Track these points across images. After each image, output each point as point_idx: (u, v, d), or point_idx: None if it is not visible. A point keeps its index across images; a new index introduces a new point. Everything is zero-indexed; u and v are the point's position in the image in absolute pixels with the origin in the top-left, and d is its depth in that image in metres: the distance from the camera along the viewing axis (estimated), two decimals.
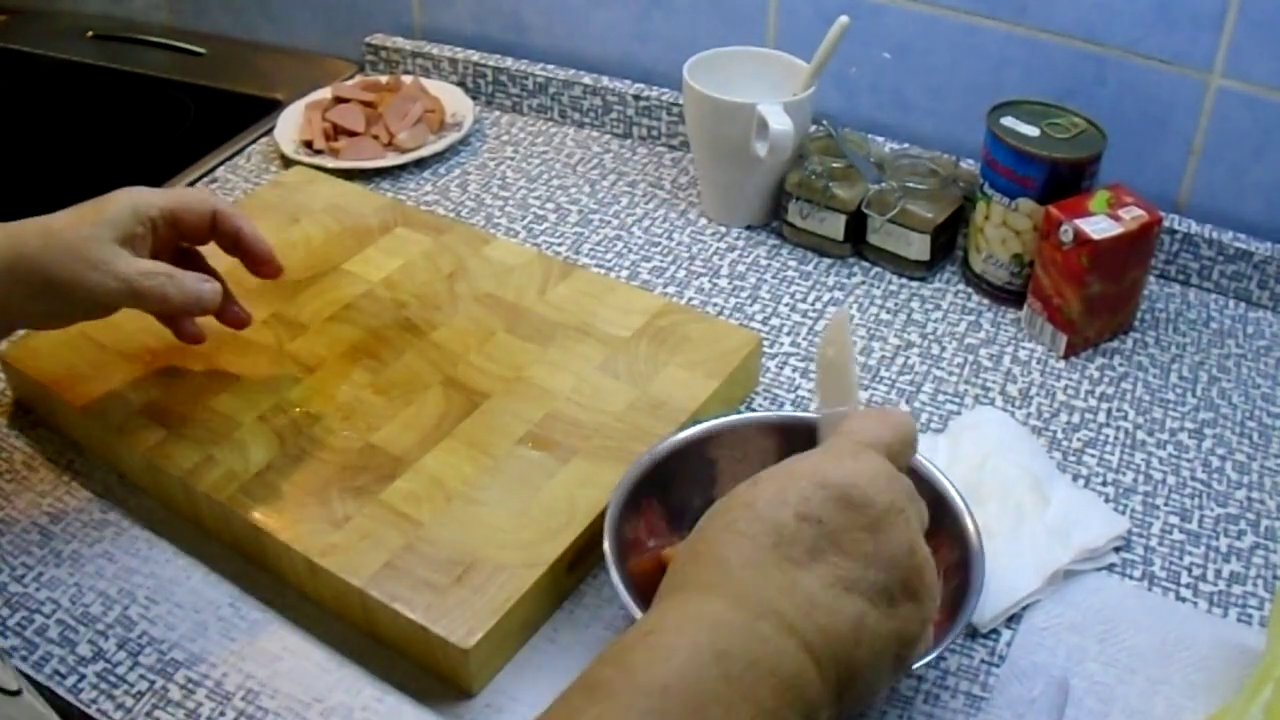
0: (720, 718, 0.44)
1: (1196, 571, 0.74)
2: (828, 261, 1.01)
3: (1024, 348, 0.92)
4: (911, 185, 0.97)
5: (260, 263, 0.79)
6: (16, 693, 0.56)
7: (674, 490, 0.72)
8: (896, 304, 0.97)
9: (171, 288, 0.72)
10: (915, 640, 0.53)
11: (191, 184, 1.12)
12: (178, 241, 0.77)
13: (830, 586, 0.50)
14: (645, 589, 0.67)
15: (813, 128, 1.03)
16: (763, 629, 0.48)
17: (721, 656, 0.46)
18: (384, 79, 1.21)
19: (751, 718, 0.45)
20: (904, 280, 0.99)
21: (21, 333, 0.86)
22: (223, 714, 0.66)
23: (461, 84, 1.24)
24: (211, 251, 0.80)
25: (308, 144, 1.13)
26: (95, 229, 0.71)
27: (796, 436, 0.74)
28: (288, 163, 1.12)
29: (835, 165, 1.00)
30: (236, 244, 0.78)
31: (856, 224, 0.99)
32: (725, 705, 0.45)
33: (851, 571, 0.51)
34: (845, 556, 0.51)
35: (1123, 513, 0.78)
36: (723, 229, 1.05)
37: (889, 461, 0.55)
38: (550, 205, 1.08)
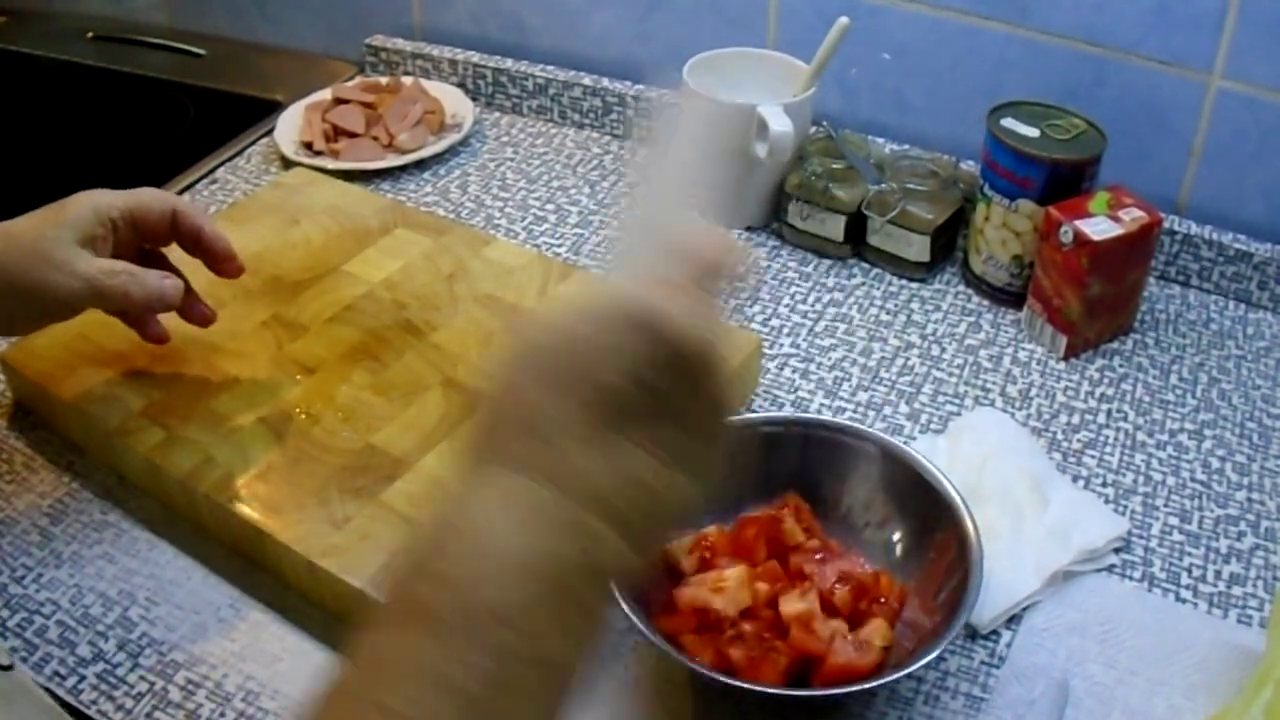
0: (553, 640, 0.42)
1: (1196, 573, 0.74)
2: (828, 263, 1.01)
3: (1024, 349, 0.92)
4: (911, 186, 0.97)
5: (221, 260, 0.79)
6: (8, 668, 0.57)
7: None
8: (896, 305, 0.97)
9: (133, 285, 0.72)
10: (695, 504, 0.49)
11: (191, 185, 1.12)
12: (139, 243, 0.77)
13: (654, 458, 0.45)
14: (642, 583, 0.67)
15: (813, 129, 1.03)
16: (585, 519, 0.44)
17: (554, 561, 0.42)
18: (384, 80, 1.21)
19: (568, 631, 0.43)
20: (904, 281, 0.99)
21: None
22: (223, 715, 0.66)
23: (461, 85, 1.24)
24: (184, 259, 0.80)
25: (308, 145, 1.13)
26: (56, 230, 0.71)
27: (798, 438, 0.74)
28: (288, 164, 1.12)
29: (835, 166, 1.00)
30: (198, 243, 0.78)
31: (856, 225, 0.99)
32: (556, 626, 0.42)
33: (671, 439, 0.46)
34: (669, 424, 0.46)
35: (1122, 514, 0.78)
36: (722, 230, 1.05)
37: (711, 298, 0.50)
38: (550, 206, 1.08)
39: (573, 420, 0.44)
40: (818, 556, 0.69)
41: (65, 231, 0.71)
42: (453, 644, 0.40)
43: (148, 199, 0.76)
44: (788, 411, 0.86)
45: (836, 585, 0.67)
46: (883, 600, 0.68)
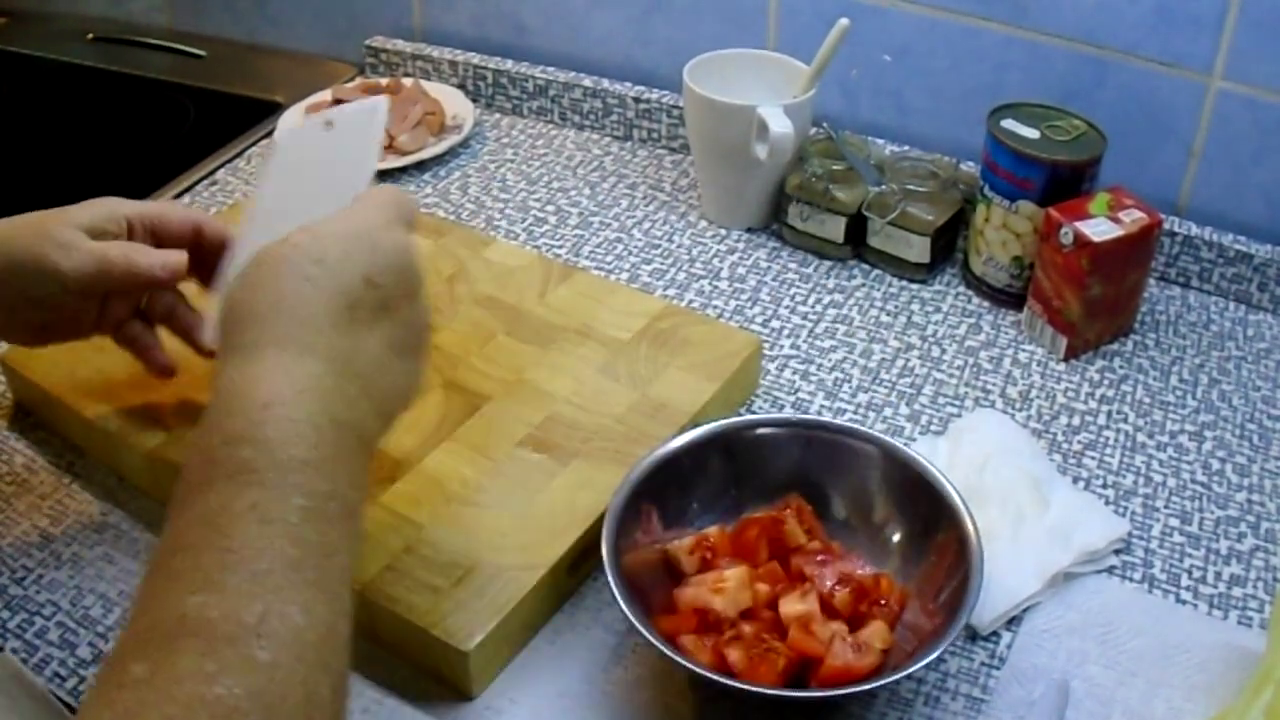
0: (343, 481, 0.51)
1: (1197, 574, 0.74)
2: (828, 264, 1.01)
3: (1024, 350, 0.92)
4: (912, 188, 0.98)
5: None
6: None
7: (672, 494, 0.72)
8: (896, 306, 0.97)
9: (138, 254, 0.71)
10: (417, 391, 0.60)
11: (191, 186, 1.12)
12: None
13: (389, 348, 0.57)
14: (643, 582, 0.67)
15: (813, 130, 1.03)
16: (351, 391, 0.54)
17: (334, 425, 0.52)
18: (384, 81, 1.21)
19: (351, 476, 0.52)
20: (904, 283, 0.99)
21: None
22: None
23: (462, 86, 1.24)
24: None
25: None
26: (64, 215, 0.71)
27: (799, 439, 0.75)
28: None
29: (835, 168, 1.00)
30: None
31: (857, 226, 0.99)
32: (345, 470, 0.52)
33: (398, 334, 0.57)
34: (395, 321, 0.57)
35: (1123, 515, 0.78)
36: (723, 231, 1.05)
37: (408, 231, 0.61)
38: (550, 208, 1.08)
39: (325, 309, 0.54)
40: (818, 558, 0.69)
41: (73, 217, 0.71)
42: (272, 490, 0.48)
43: (170, 208, 0.76)
44: (788, 413, 0.86)
45: (837, 587, 0.67)
46: (883, 602, 0.67)
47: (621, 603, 0.63)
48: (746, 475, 0.74)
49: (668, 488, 0.72)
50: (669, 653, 0.62)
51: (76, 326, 0.74)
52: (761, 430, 0.75)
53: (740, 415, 0.83)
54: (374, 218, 0.59)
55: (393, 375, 0.57)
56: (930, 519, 0.70)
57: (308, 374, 0.52)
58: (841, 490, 0.74)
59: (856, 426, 0.76)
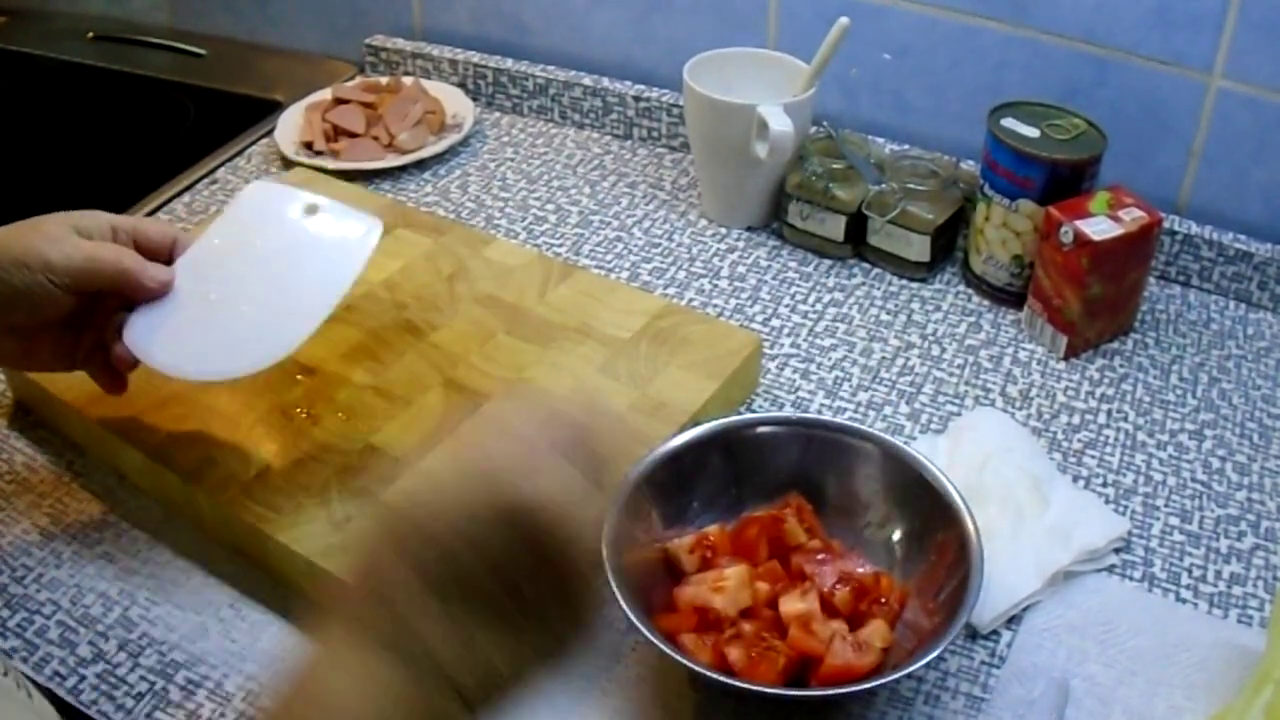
0: None
1: (1197, 573, 0.74)
2: (828, 263, 1.01)
3: (1024, 349, 0.92)
4: (912, 186, 0.97)
5: None
6: None
7: (672, 493, 0.72)
8: (896, 305, 0.97)
9: (128, 256, 0.71)
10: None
11: (192, 185, 1.12)
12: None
13: (496, 636, 0.45)
14: (643, 581, 0.67)
15: (813, 129, 1.03)
16: (435, 702, 0.44)
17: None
18: (384, 80, 1.21)
19: None
20: (904, 281, 0.99)
21: None
22: (223, 715, 0.66)
23: (462, 85, 1.24)
24: None
25: (308, 145, 1.13)
26: (54, 217, 0.71)
27: (799, 437, 0.75)
28: (288, 164, 1.12)
29: (835, 166, 1.00)
30: None
31: (857, 225, 0.99)
32: None
33: (518, 618, 0.46)
34: (516, 600, 0.45)
35: (1123, 514, 0.78)
36: (723, 230, 1.05)
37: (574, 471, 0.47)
38: (550, 206, 1.08)
39: (420, 591, 0.44)
40: (819, 557, 0.69)
41: (62, 217, 0.71)
42: None
43: (149, 222, 0.77)
44: (788, 411, 0.86)
45: (837, 586, 0.68)
46: (883, 601, 0.67)
47: (621, 601, 0.63)
48: (747, 474, 0.74)
49: (668, 486, 0.72)
50: (669, 651, 0.62)
51: (59, 344, 0.74)
52: (762, 429, 0.75)
53: (740, 414, 0.83)
54: (526, 452, 0.47)
55: (496, 664, 0.46)
56: (930, 518, 0.70)
57: (376, 678, 0.44)
58: (842, 489, 0.74)
59: (857, 425, 0.76)
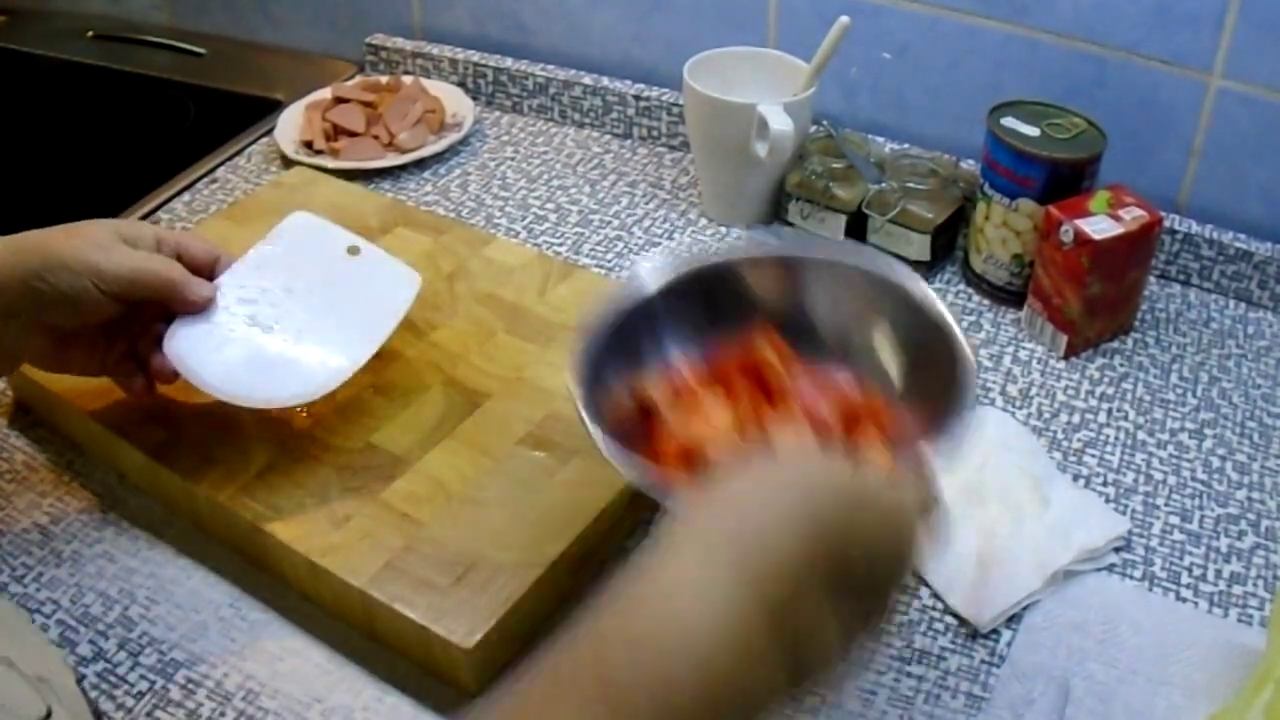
0: None
1: (1197, 572, 0.74)
2: None
3: (1024, 348, 0.92)
4: (912, 185, 0.98)
5: None
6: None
7: (645, 340, 0.69)
8: None
9: (176, 269, 0.73)
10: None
11: (192, 184, 1.12)
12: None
13: (844, 633, 0.48)
14: (621, 439, 0.62)
15: (813, 128, 1.03)
16: (775, 672, 0.45)
17: (732, 688, 0.44)
18: (384, 79, 1.21)
19: None
20: None
21: None
22: (223, 714, 0.66)
23: (462, 84, 1.24)
24: None
25: (308, 144, 1.13)
26: (100, 223, 0.72)
27: (775, 270, 0.71)
28: (288, 163, 1.12)
29: (835, 166, 1.00)
30: None
31: (857, 224, 0.99)
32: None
33: (857, 629, 0.49)
34: (869, 608, 0.49)
35: (1123, 513, 0.78)
36: (723, 229, 1.05)
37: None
38: (550, 205, 1.08)
39: (808, 571, 0.46)
40: (804, 382, 0.65)
41: (110, 226, 0.72)
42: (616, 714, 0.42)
43: (193, 237, 0.78)
44: (764, 245, 0.82)
45: (826, 407, 0.63)
46: (875, 421, 0.64)
47: (604, 445, 0.59)
48: (723, 313, 0.70)
49: (639, 334, 0.68)
50: (663, 486, 0.57)
51: (93, 348, 0.74)
52: (738, 267, 0.71)
53: (715, 252, 0.78)
54: (907, 490, 0.51)
55: (831, 655, 0.47)
56: (919, 337, 0.66)
57: (735, 613, 0.44)
58: (827, 317, 0.70)
59: (835, 247, 0.71)
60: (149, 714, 0.66)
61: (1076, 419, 0.86)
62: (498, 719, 0.44)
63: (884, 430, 0.63)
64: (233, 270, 0.76)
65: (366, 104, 1.16)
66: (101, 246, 0.70)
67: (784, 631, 0.45)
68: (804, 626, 0.46)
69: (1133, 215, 0.87)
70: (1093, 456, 0.83)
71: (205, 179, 1.13)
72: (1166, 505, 0.79)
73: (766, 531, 0.46)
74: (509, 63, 1.22)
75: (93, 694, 0.67)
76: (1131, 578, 0.74)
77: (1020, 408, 0.87)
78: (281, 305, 0.77)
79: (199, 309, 0.74)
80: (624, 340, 0.68)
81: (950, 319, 0.65)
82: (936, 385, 0.64)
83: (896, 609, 0.52)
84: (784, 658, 0.45)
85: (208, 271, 0.76)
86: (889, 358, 0.69)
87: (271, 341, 0.76)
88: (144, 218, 1.06)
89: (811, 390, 0.65)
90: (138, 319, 0.74)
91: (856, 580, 0.48)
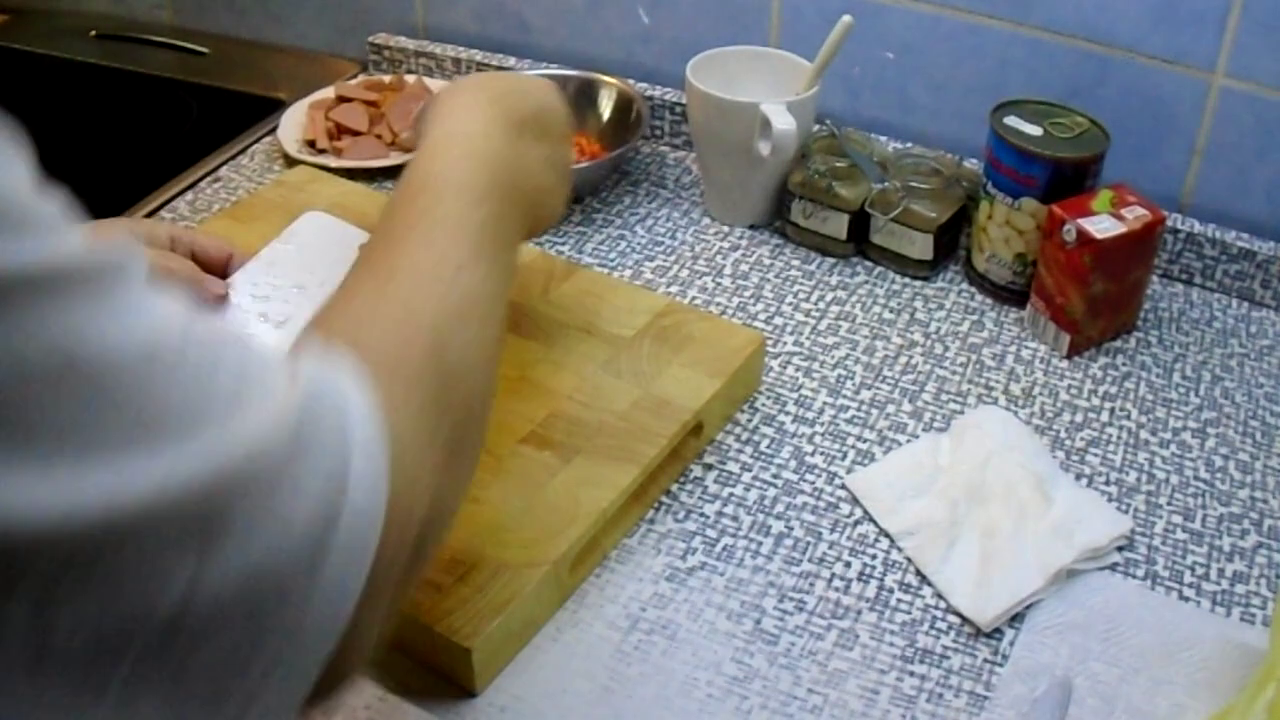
0: (509, 224, 0.64)
1: (1199, 571, 0.74)
2: (831, 261, 1.01)
3: (1027, 347, 0.92)
4: (914, 185, 0.97)
5: None
6: None
7: None
8: (899, 303, 0.97)
9: (190, 268, 0.74)
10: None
11: (195, 183, 1.12)
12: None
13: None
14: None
15: (816, 127, 1.03)
16: (513, 179, 0.65)
17: (501, 184, 0.63)
18: (387, 78, 1.21)
19: (510, 231, 0.64)
20: (907, 280, 0.99)
21: None
22: None
23: None
24: None
25: (311, 143, 1.13)
26: (115, 222, 0.73)
27: None
28: (291, 162, 1.12)
29: (838, 165, 1.00)
30: None
31: (859, 223, 0.99)
32: (509, 219, 0.64)
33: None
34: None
35: (1126, 512, 0.78)
36: (726, 228, 1.05)
37: None
38: None
39: (501, 117, 0.67)
40: None
41: (124, 225, 0.74)
42: (457, 204, 0.60)
43: (206, 237, 0.78)
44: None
45: None
46: None
47: None
48: None
49: None
50: None
51: None
52: None
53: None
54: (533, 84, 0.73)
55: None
56: None
57: (488, 143, 0.65)
58: None
59: None
60: None
61: (1079, 418, 0.86)
62: (368, 248, 0.58)
63: None
64: (245, 269, 0.77)
65: (369, 103, 1.16)
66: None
67: (524, 128, 0.68)
68: (528, 130, 0.69)
69: (1135, 214, 0.87)
70: (1095, 455, 0.83)
71: (208, 178, 1.13)
72: (1169, 504, 0.79)
73: (494, 86, 0.71)
74: (512, 62, 1.22)
75: None
76: (1134, 577, 0.74)
77: (1023, 407, 0.87)
78: (293, 303, 0.77)
79: (213, 309, 0.74)
80: None
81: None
82: None
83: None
84: (530, 146, 0.68)
85: (220, 270, 0.76)
86: None
87: (282, 339, 0.75)
88: (147, 216, 1.06)
89: None
90: None
91: (538, 120, 0.71)
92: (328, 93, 1.19)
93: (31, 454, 0.32)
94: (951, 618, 0.71)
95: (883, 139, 1.07)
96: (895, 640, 0.70)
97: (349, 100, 1.17)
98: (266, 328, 0.75)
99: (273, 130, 1.17)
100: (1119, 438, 0.84)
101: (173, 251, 0.74)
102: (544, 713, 0.66)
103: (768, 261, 1.01)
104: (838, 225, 1.00)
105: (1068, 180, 0.90)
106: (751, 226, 1.05)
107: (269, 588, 0.38)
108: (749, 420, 0.85)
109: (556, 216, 0.74)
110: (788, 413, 0.86)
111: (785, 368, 0.90)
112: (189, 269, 0.73)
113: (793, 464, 0.81)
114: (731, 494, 0.79)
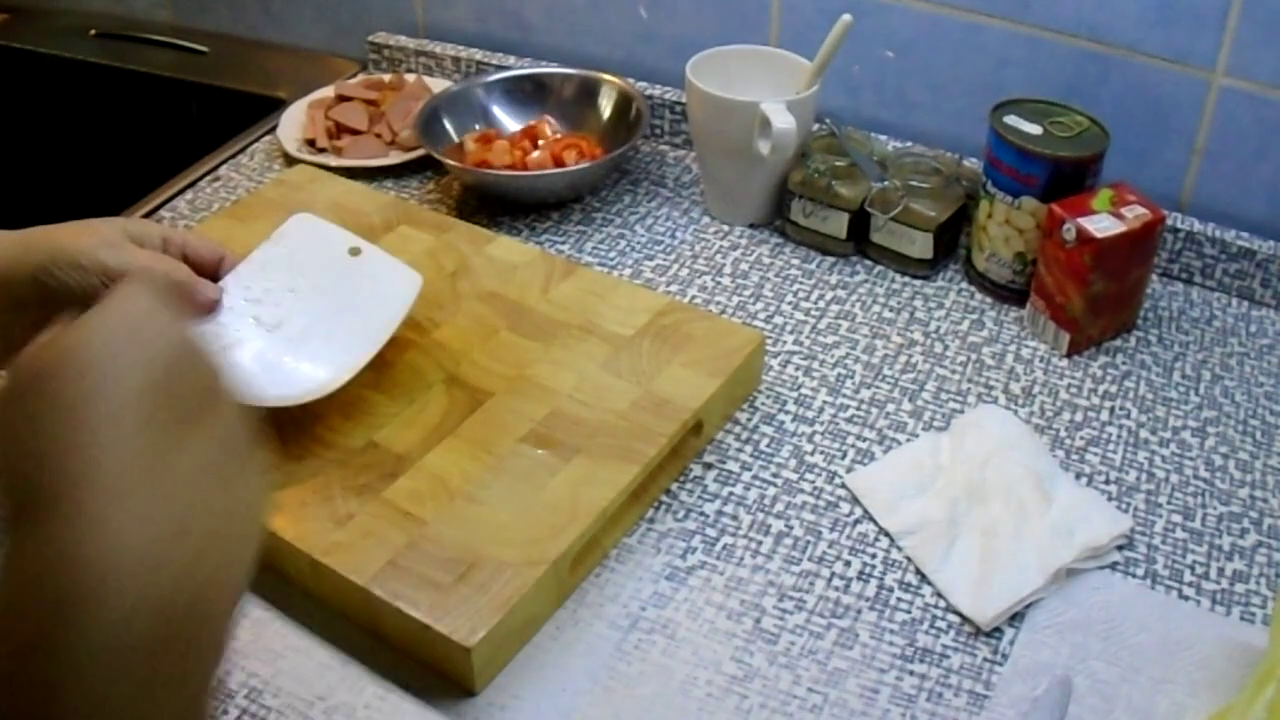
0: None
1: (1199, 570, 0.74)
2: (830, 260, 1.01)
3: (1027, 346, 0.92)
4: (914, 184, 0.97)
5: None
6: None
7: None
8: (899, 302, 0.97)
9: (181, 270, 0.73)
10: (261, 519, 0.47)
11: (194, 182, 1.12)
12: None
13: (205, 475, 0.43)
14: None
15: (815, 126, 1.03)
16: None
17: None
18: (387, 77, 1.21)
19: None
20: (907, 279, 0.99)
21: None
22: (225, 712, 0.66)
23: None
24: None
25: (310, 142, 1.13)
26: (107, 221, 0.72)
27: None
28: (291, 161, 1.12)
29: (838, 164, 1.00)
30: None
31: (859, 222, 0.99)
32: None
33: (212, 454, 0.44)
34: (204, 437, 0.43)
35: (1126, 511, 0.78)
36: (726, 227, 1.05)
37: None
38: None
39: (128, 441, 0.41)
40: None
41: (117, 225, 0.72)
42: None
43: (198, 238, 0.78)
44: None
45: None
46: None
47: None
48: None
49: None
50: None
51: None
52: None
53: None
54: (152, 294, 0.46)
55: (221, 512, 0.43)
56: None
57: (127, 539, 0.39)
58: None
59: None
60: None
61: (1079, 417, 0.86)
62: None
63: None
64: (237, 271, 0.77)
65: (369, 102, 1.16)
66: (110, 244, 0.70)
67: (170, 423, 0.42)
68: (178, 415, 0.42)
69: (1135, 213, 0.87)
70: (1095, 454, 0.83)
71: (208, 177, 1.13)
72: (1169, 503, 0.79)
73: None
74: (511, 61, 1.22)
75: None
76: (1134, 576, 0.74)
77: (1023, 406, 0.87)
78: (285, 305, 0.77)
79: (204, 311, 0.74)
80: None
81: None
82: None
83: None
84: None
85: (213, 272, 0.76)
86: None
87: (275, 341, 0.76)
88: (146, 216, 1.07)
89: None
90: None
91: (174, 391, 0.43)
92: (327, 92, 1.19)
93: None
94: (951, 617, 0.71)
95: (882, 138, 1.07)
96: (895, 639, 0.70)
97: (349, 99, 1.17)
98: (259, 331, 0.75)
99: (272, 129, 1.17)
100: (1119, 437, 0.84)
101: (165, 253, 0.73)
102: (544, 712, 0.66)
103: (767, 260, 1.01)
104: (837, 224, 1.00)
105: (1067, 179, 0.90)
106: (751, 225, 1.05)
107: None
108: (749, 419, 0.85)
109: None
110: (787, 412, 0.86)
111: (785, 367, 0.90)
112: (182, 272, 0.73)
113: (792, 463, 0.81)
114: (731, 493, 0.79)
